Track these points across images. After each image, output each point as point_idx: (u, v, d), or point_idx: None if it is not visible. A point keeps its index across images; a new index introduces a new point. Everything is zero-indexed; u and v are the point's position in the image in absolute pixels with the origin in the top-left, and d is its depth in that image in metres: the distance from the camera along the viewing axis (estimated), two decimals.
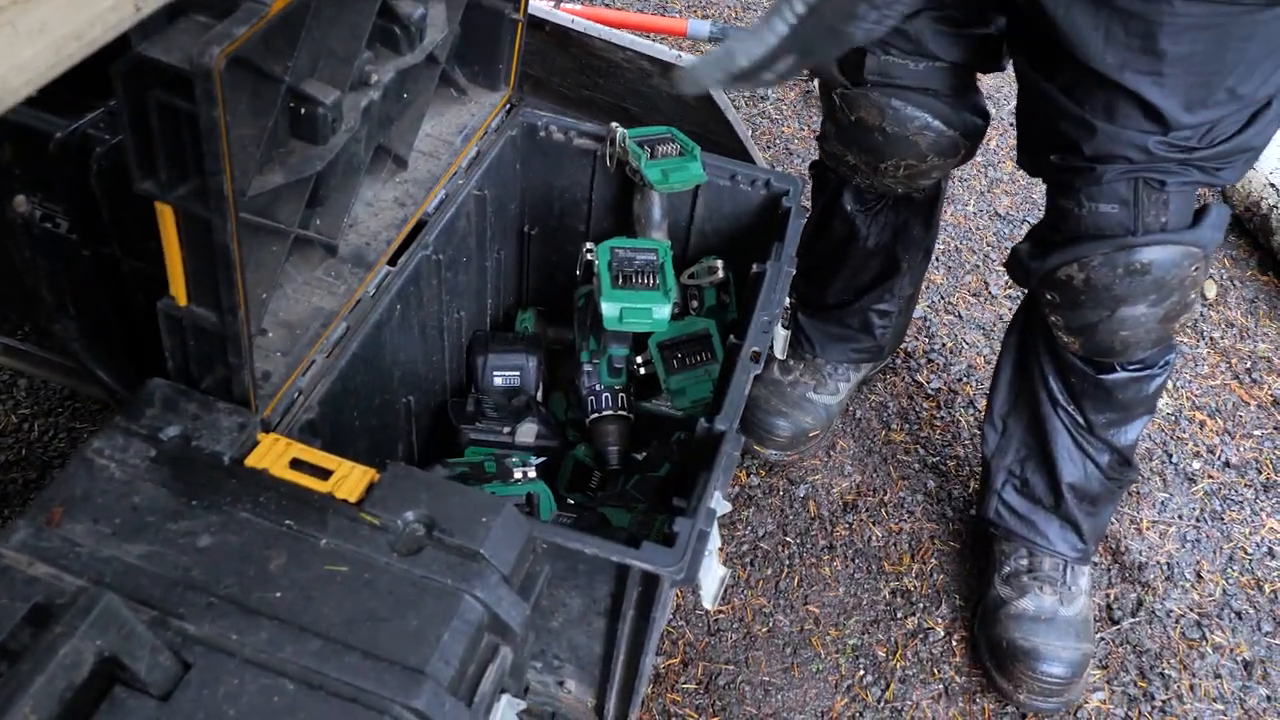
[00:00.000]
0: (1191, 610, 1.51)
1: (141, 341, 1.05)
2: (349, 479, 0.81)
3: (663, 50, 1.69)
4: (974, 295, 1.97)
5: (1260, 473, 1.71)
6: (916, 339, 1.86)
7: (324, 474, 0.82)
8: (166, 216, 0.79)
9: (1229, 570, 1.57)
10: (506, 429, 1.28)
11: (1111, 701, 1.40)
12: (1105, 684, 1.42)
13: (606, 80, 1.81)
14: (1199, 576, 1.56)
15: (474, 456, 1.25)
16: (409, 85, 1.11)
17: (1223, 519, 1.64)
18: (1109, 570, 1.55)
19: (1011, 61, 1.28)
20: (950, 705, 1.38)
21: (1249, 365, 1.90)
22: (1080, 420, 1.33)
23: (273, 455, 0.83)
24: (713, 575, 0.96)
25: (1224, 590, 1.54)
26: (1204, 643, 1.48)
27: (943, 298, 1.96)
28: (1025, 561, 1.42)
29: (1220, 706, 1.41)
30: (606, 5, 2.58)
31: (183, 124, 0.74)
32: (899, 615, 1.47)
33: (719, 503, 0.97)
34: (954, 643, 1.45)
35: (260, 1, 0.73)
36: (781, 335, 1.26)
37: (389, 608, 0.74)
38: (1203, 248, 1.15)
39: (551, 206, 1.43)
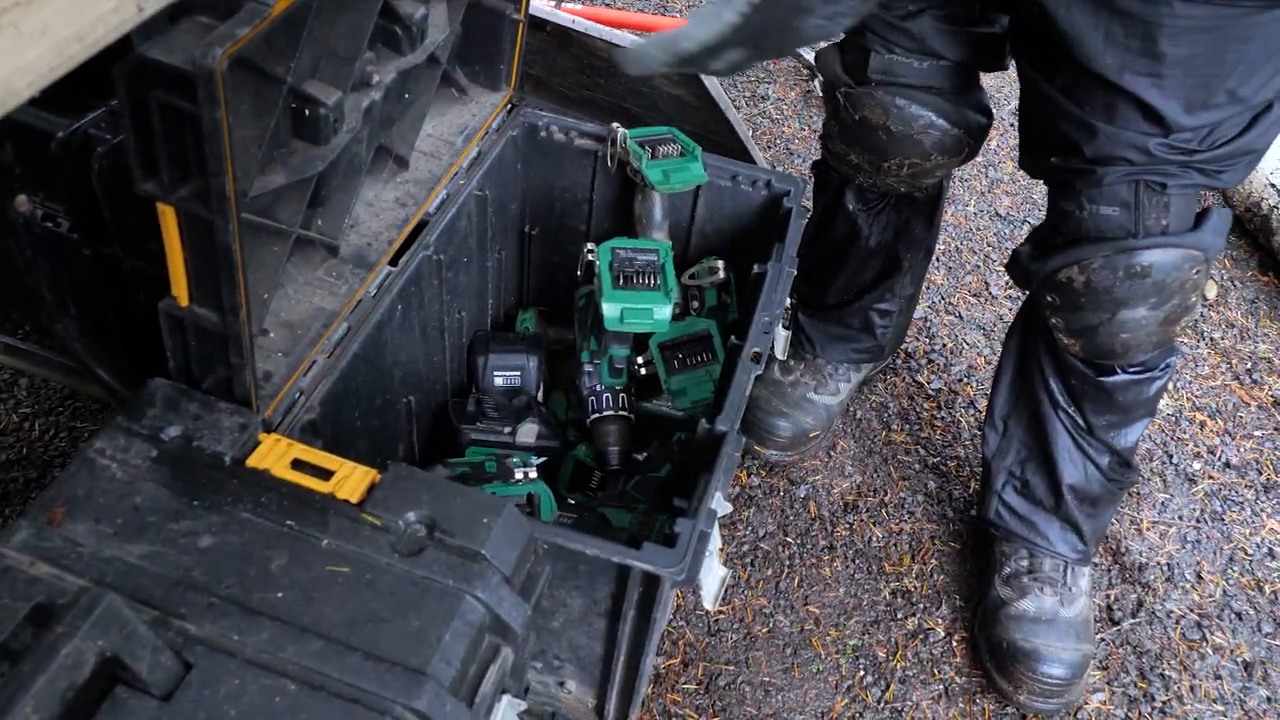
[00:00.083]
0: (1192, 611, 1.51)
1: (142, 341, 1.06)
2: (350, 479, 0.81)
3: None
4: (974, 296, 1.97)
5: (1260, 473, 1.71)
6: (917, 339, 1.86)
7: (325, 474, 0.82)
8: (168, 217, 0.79)
9: (1229, 571, 1.57)
10: (507, 429, 1.28)
11: (1112, 702, 1.41)
12: (1105, 685, 1.42)
13: (607, 80, 1.81)
14: (1199, 577, 1.56)
15: (475, 457, 1.25)
16: (410, 85, 1.11)
17: (1223, 520, 1.64)
18: (1109, 571, 1.55)
19: (1014, 61, 1.29)
20: (950, 706, 1.38)
21: (1249, 366, 1.90)
22: (1081, 422, 1.33)
23: (274, 455, 0.83)
24: (713, 576, 0.96)
25: (1224, 591, 1.54)
26: (1204, 644, 1.48)
27: (943, 298, 1.96)
28: (1026, 562, 1.42)
29: (1220, 707, 1.41)
30: (607, 5, 2.58)
31: (185, 125, 0.74)
32: (899, 616, 1.47)
33: (720, 503, 0.97)
34: (954, 643, 1.45)
35: (262, 2, 0.73)
36: (782, 335, 1.26)
37: (390, 608, 0.74)
38: (1204, 251, 1.15)
39: (552, 207, 1.43)
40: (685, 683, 1.36)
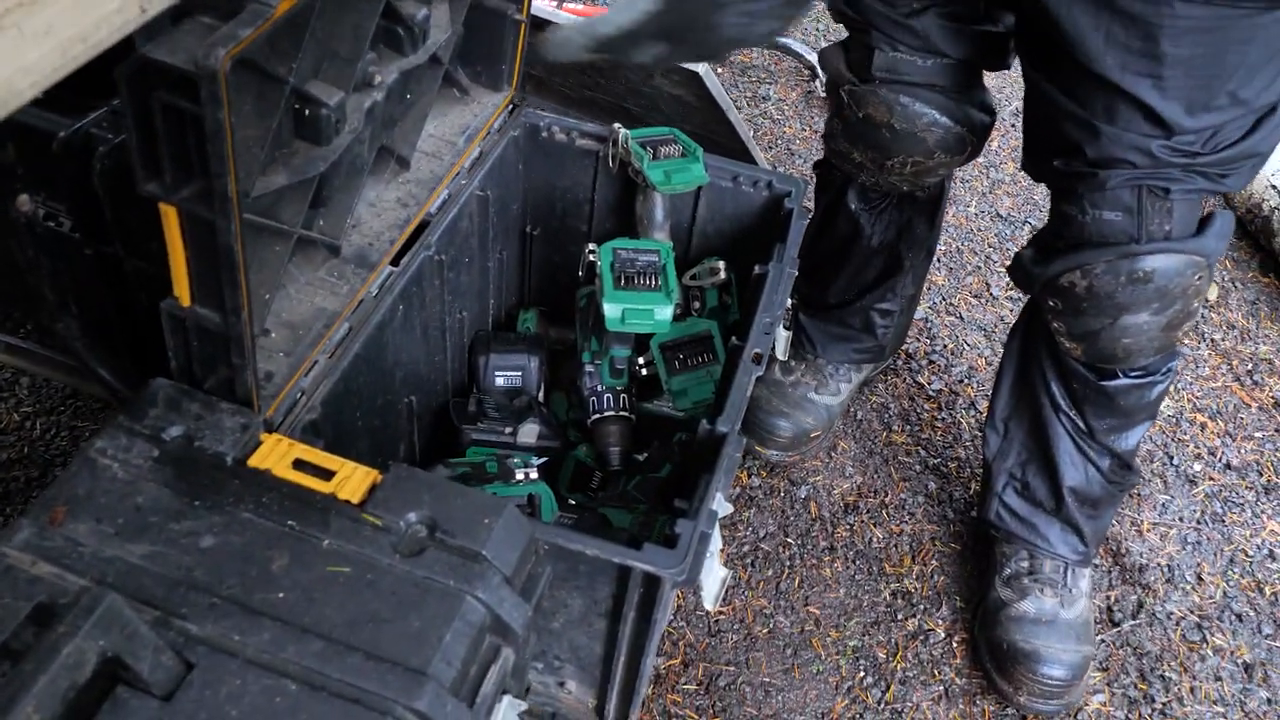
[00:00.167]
0: (1192, 612, 1.51)
1: (144, 341, 1.06)
2: (351, 480, 0.81)
3: None
4: (975, 297, 1.97)
5: (1261, 475, 1.71)
6: (918, 340, 1.86)
7: (326, 475, 0.82)
8: (170, 218, 0.79)
9: (1229, 572, 1.57)
10: (508, 429, 1.28)
11: (1112, 704, 1.41)
12: (1105, 686, 1.42)
13: (608, 80, 1.81)
14: (1200, 579, 1.56)
15: (476, 457, 1.25)
16: (412, 86, 1.11)
17: (1223, 521, 1.64)
18: (1110, 572, 1.55)
19: (1018, 61, 1.29)
20: (950, 707, 1.39)
21: (1250, 367, 1.90)
22: (1081, 425, 1.33)
23: (275, 456, 0.83)
24: (714, 576, 0.96)
25: (1224, 592, 1.54)
26: (1204, 645, 1.48)
27: (944, 299, 1.96)
28: (1026, 564, 1.42)
29: (1221, 709, 1.41)
30: (608, 5, 2.58)
31: (187, 125, 0.74)
32: (899, 617, 1.47)
33: (720, 504, 0.97)
34: (954, 644, 1.45)
35: (265, 3, 0.73)
36: (783, 336, 1.26)
37: (391, 609, 0.74)
38: (1206, 257, 1.15)
39: (554, 207, 1.44)
40: (685, 683, 1.36)
